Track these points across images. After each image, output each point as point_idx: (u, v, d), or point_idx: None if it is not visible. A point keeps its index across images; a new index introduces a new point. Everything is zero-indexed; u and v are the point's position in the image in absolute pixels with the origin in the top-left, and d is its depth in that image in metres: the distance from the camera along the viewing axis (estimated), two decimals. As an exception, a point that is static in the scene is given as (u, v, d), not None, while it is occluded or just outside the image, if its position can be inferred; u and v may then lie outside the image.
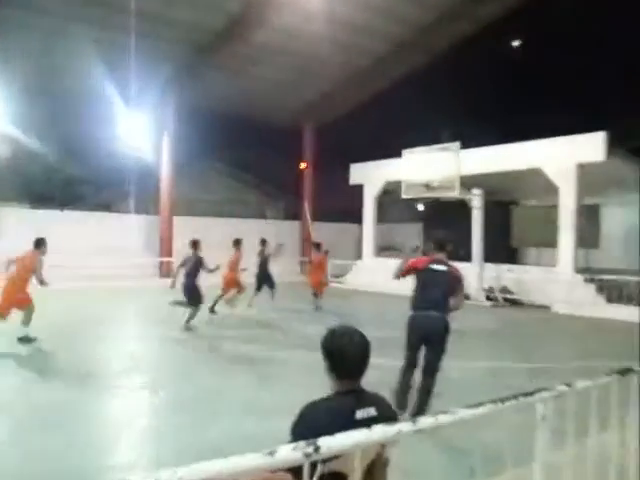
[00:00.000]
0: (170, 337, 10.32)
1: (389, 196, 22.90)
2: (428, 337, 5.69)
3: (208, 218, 24.37)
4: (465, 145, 16.27)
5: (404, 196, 17.46)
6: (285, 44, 20.16)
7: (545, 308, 15.51)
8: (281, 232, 25.60)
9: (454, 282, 5.76)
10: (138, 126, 18.34)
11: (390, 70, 23.35)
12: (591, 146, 15.27)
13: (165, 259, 21.70)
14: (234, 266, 13.09)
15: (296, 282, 22.61)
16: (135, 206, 21.31)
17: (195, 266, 10.96)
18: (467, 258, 17.53)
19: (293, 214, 28.32)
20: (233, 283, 13.08)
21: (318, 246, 14.85)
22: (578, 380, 2.87)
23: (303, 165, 26.72)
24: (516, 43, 24.65)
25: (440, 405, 6.47)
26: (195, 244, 11.20)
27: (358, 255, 23.47)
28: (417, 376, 5.85)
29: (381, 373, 5.02)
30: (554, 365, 8.50)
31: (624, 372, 3.09)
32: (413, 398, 5.78)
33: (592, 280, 15.25)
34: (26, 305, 8.97)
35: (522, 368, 8.34)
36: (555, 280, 15.62)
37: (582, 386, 2.87)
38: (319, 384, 2.57)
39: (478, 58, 23.34)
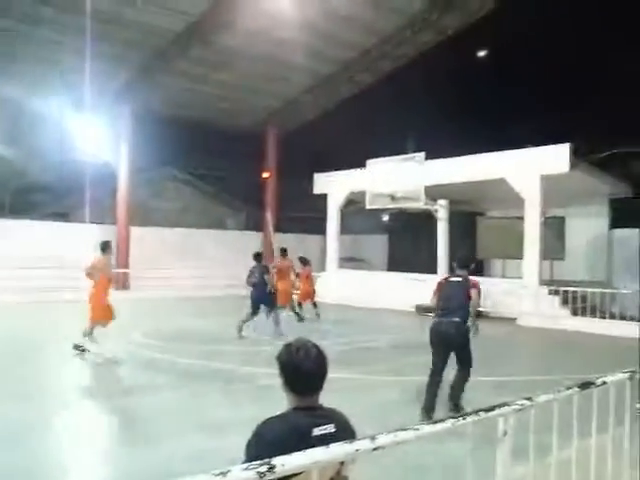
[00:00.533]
0: (133, 353, 10.12)
1: (354, 206, 23.03)
2: (446, 340, 6.55)
3: (165, 228, 24.08)
4: (430, 155, 16.50)
5: (369, 207, 17.58)
6: (248, 48, 20.18)
7: (511, 320, 15.73)
8: (242, 243, 25.46)
9: (470, 288, 6.56)
10: (95, 132, 18.11)
11: (356, 78, 23.60)
12: (556, 158, 15.68)
13: (121, 270, 21.31)
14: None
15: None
16: (91, 215, 20.85)
17: (262, 276, 12.01)
18: (432, 270, 17.72)
19: (255, 224, 28.19)
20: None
21: (305, 261, 15.54)
22: (540, 393, 2.91)
23: (266, 174, 26.67)
24: (482, 53, 25.25)
25: (399, 421, 6.54)
26: (258, 256, 12.49)
27: (322, 267, 23.48)
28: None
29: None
30: (516, 378, 8.62)
31: (584, 385, 3.16)
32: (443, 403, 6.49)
33: (557, 292, 15.58)
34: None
35: (484, 382, 8.39)
36: (521, 292, 15.91)
37: (543, 400, 2.91)
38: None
39: (444, 67, 23.79)
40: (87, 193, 20.18)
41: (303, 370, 2.30)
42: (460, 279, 6.67)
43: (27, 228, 20.27)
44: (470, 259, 7.07)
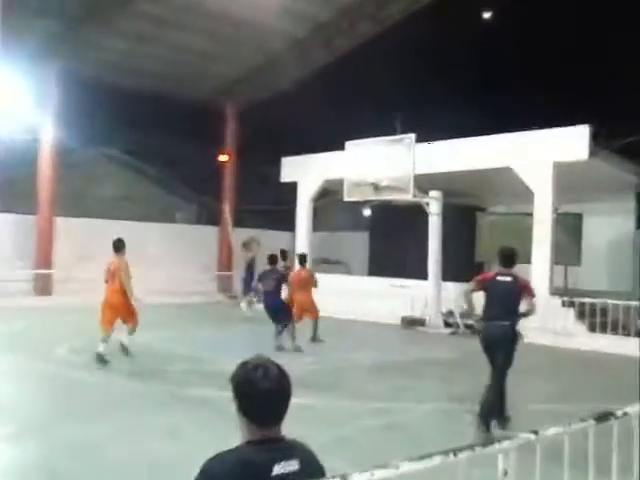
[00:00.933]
0: (51, 373, 10.06)
1: (329, 198, 23.02)
2: (494, 344, 7.38)
3: (99, 220, 23.77)
4: (422, 138, 16.55)
5: (347, 198, 17.58)
6: (204, 4, 19.99)
7: (515, 337, 15.89)
8: (193, 240, 25.29)
9: (521, 290, 7.45)
10: (10, 101, 17.60)
11: (333, 42, 23.61)
12: (572, 142, 15.86)
13: (42, 271, 20.96)
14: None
15: (214, 302, 22.37)
16: (4, 202, 20.45)
17: (279, 282, 12.73)
18: (422, 275, 17.79)
19: (209, 218, 28.01)
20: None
21: (303, 259, 14.57)
22: (547, 426, 2.90)
23: (224, 157, 26.54)
24: (487, 15, 25.05)
25: (375, 456, 6.57)
26: (273, 258, 13.06)
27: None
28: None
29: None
30: (520, 407, 8.67)
31: (602, 417, 3.14)
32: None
33: (572, 304, 15.70)
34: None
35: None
36: (528, 303, 16.02)
37: (552, 433, 2.89)
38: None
39: (442, 30, 23.87)
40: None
41: (261, 394, 2.28)
42: (509, 279, 7.41)
43: None
44: (516, 254, 7.70)
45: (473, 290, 7.75)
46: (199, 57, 23.18)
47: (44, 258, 21.39)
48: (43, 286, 20.86)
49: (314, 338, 13.96)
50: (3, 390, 8.98)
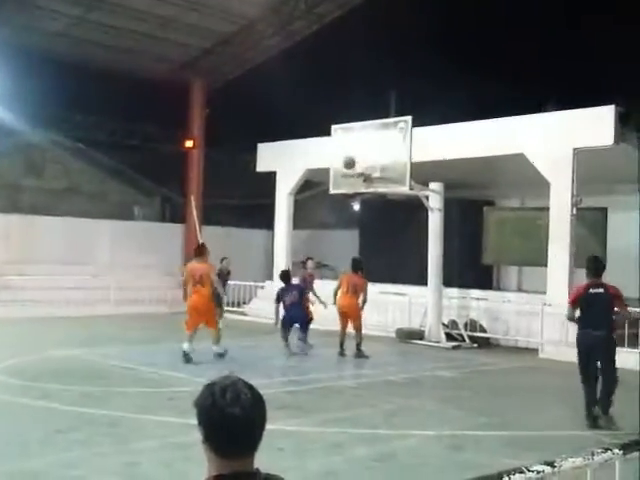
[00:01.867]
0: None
1: (313, 190, 22.96)
2: (592, 352, 9.08)
3: (42, 217, 23.61)
4: (420, 121, 16.52)
5: (333, 191, 17.52)
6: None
7: (530, 351, 15.92)
8: (155, 240, 25.15)
9: (614, 300, 9.10)
10: None
11: (317, 9, 23.57)
12: (595, 126, 15.87)
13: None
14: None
15: (180, 313, 22.23)
16: None
17: (301, 293, 14.87)
18: (421, 280, 17.76)
19: (173, 214, 27.89)
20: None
21: (359, 264, 15.40)
22: (565, 457, 2.87)
23: (189, 143, 26.43)
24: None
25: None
26: (286, 275, 15.48)
27: (268, 274, 23.35)
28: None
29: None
30: (534, 434, 8.67)
31: (630, 447, 3.11)
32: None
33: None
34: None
35: (492, 437, 8.46)
36: (544, 312, 16.08)
37: (572, 465, 2.87)
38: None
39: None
40: None
41: (230, 421, 2.21)
42: (601, 290, 9.07)
43: None
44: (604, 263, 9.62)
45: (574, 311, 9.38)
46: (159, 25, 23.08)
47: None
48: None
49: (359, 353, 14.53)
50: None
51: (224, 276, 16.38)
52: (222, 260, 16.76)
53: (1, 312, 19.73)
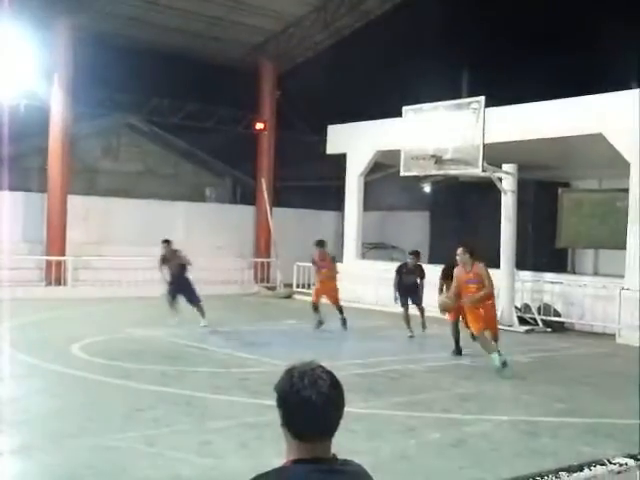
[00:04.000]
0: (67, 376, 10.18)
1: (383, 172, 22.86)
2: None
3: (117, 199, 24.04)
4: (493, 101, 16.25)
5: (404, 173, 17.39)
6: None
7: (607, 337, 15.59)
8: (227, 221, 25.39)
9: None
10: (14, 65, 17.86)
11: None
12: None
13: (54, 258, 21.30)
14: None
15: (251, 294, 22.48)
16: (10, 179, 20.83)
17: (421, 277, 15.03)
18: (493, 262, 17.54)
19: (244, 195, 28.10)
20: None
21: (321, 244, 15.80)
22: None
23: (260, 125, 26.54)
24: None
25: (441, 475, 6.55)
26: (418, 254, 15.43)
27: (338, 256, 23.39)
28: None
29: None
30: (612, 422, 8.49)
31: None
32: None
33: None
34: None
35: (566, 425, 8.34)
36: (622, 297, 15.74)
37: None
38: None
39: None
40: (3, 148, 20.05)
41: (307, 404, 2.26)
42: None
43: None
44: None
45: None
46: (230, 7, 23.14)
47: (56, 243, 21.65)
48: (55, 275, 21.16)
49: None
50: (14, 395, 9.14)
51: (172, 262, 15.26)
52: (164, 243, 15.63)
53: (80, 292, 20.33)
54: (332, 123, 22.88)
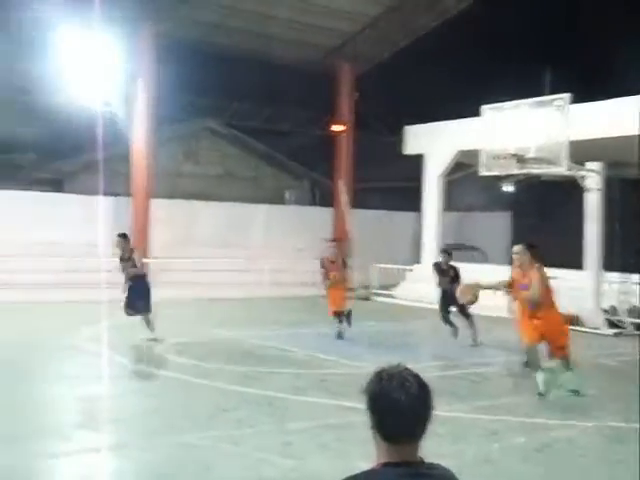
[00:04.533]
0: (153, 375, 10.50)
1: (462, 172, 22.59)
2: None
3: (198, 202, 24.40)
4: (575, 98, 15.90)
5: (484, 172, 17.18)
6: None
7: None
8: (306, 223, 25.49)
9: None
10: (101, 69, 18.26)
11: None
12: None
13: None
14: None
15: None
16: (94, 183, 21.29)
17: (456, 279, 13.44)
18: (578, 264, 17.16)
19: (322, 197, 28.17)
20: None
21: (339, 241, 15.16)
22: None
23: (338, 127, 26.58)
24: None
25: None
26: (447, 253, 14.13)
27: (415, 257, 23.24)
28: None
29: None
30: None
31: None
32: None
33: None
34: None
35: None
36: None
37: None
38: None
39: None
40: (91, 152, 20.53)
41: (398, 408, 2.29)
42: None
43: (6, 200, 20.97)
44: None
45: None
46: (308, 11, 23.26)
47: (140, 245, 22.03)
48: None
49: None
50: (110, 395, 9.38)
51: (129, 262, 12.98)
52: (119, 237, 13.30)
53: (163, 293, 20.67)
54: (409, 123, 22.75)
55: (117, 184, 22.81)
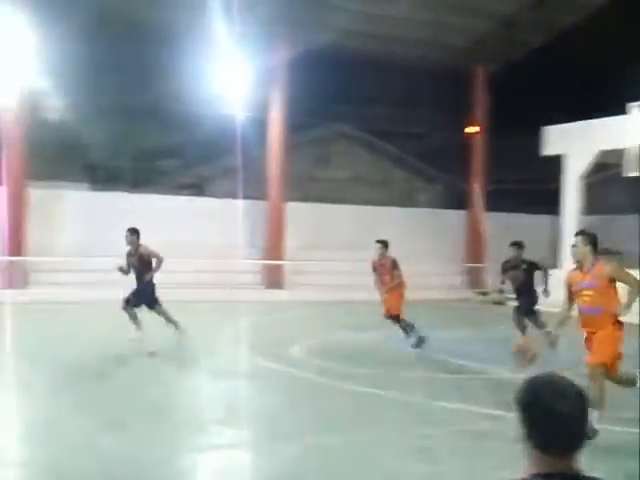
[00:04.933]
0: (287, 376, 10.64)
1: (604, 173, 21.84)
2: None
3: (330, 205, 24.58)
4: None
5: (629, 173, 16.54)
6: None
7: None
8: (438, 226, 25.23)
9: None
10: (239, 77, 18.72)
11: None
12: None
13: (273, 262, 22.13)
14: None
15: (461, 299, 22.17)
16: (232, 187, 21.91)
17: (531, 273, 12.24)
18: None
19: (455, 200, 27.80)
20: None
21: (385, 244, 13.45)
22: None
23: (472, 129, 26.19)
24: None
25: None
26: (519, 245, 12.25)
27: (552, 261, 22.57)
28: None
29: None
30: None
31: None
32: None
33: None
34: None
35: None
36: None
37: None
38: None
39: None
40: (229, 157, 21.08)
41: (555, 416, 2.21)
42: None
43: (151, 204, 21.86)
44: None
45: None
46: (441, 10, 23.01)
47: (275, 248, 22.51)
48: (274, 278, 21.99)
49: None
50: (242, 393, 9.60)
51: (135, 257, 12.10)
52: (129, 231, 12.17)
53: (295, 295, 20.99)
54: (545, 124, 22.23)
55: (253, 188, 23.39)
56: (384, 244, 13.26)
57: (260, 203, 22.88)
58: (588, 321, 7.59)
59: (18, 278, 19.30)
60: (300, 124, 24.13)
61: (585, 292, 7.62)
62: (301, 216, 23.50)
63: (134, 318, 11.82)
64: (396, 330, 14.19)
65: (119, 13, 20.91)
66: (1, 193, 19.43)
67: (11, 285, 18.82)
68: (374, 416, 8.36)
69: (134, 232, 12.00)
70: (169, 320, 12.03)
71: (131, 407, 8.41)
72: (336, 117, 26.83)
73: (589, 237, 7.89)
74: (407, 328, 13.00)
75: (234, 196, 21.31)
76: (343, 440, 7.32)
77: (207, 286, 20.06)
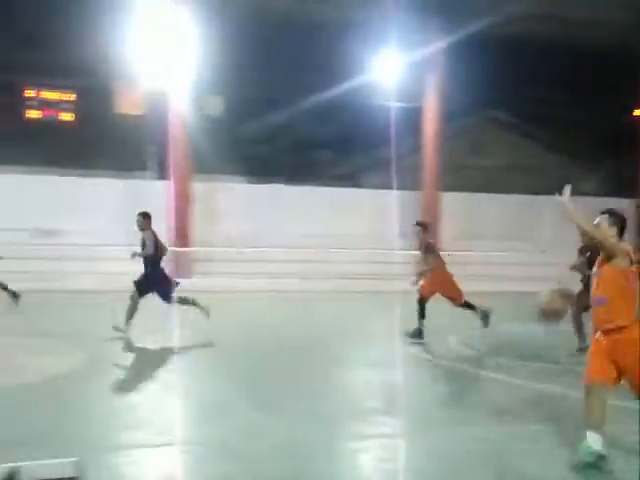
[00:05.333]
0: (448, 367, 10.70)
1: None
2: None
3: (484, 194, 24.24)
4: None
5: None
6: None
7: None
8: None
9: None
10: (395, 67, 18.73)
11: None
12: None
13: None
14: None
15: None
16: (385, 178, 22.06)
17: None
18: None
19: (619, 188, 26.69)
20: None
21: (425, 227, 13.07)
22: None
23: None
24: None
25: None
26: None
27: None
28: None
29: None
30: None
31: None
32: None
33: None
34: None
35: None
36: None
37: None
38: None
39: None
40: (383, 148, 21.15)
41: None
42: None
43: (306, 196, 22.37)
44: None
45: None
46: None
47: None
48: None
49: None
50: (399, 382, 9.72)
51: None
52: (140, 215, 11.74)
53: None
54: None
55: (406, 178, 23.49)
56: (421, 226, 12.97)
57: (413, 193, 22.89)
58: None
59: (185, 268, 20.26)
60: (454, 112, 23.94)
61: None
62: (455, 206, 23.34)
63: (132, 310, 11.43)
64: (555, 324, 13.83)
65: (274, 8, 21.49)
66: (168, 187, 20.48)
67: (178, 275, 19.80)
68: (534, 410, 8.21)
69: (145, 216, 11.64)
70: (194, 304, 12.08)
71: (298, 392, 8.72)
72: (489, 104, 26.41)
73: (616, 217, 6.47)
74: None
75: (388, 187, 21.42)
76: (502, 433, 7.25)
77: (363, 277, 20.34)
